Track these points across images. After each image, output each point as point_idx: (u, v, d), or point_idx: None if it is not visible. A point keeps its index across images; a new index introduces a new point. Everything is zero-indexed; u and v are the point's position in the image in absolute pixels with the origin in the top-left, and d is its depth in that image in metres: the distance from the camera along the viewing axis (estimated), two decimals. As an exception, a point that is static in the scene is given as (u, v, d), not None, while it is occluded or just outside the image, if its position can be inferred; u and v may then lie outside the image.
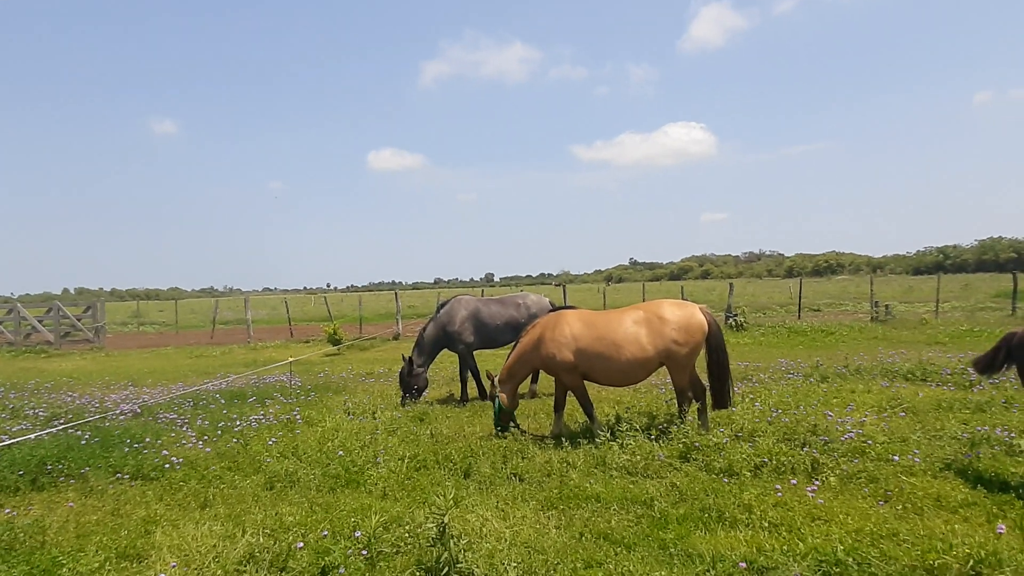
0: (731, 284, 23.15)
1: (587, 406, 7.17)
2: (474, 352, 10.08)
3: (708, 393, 7.02)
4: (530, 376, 9.28)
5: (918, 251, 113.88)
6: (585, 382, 7.17)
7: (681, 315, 6.83)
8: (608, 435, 6.52)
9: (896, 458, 5.56)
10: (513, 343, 7.96)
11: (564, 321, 7.14)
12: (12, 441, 6.62)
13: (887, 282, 55.01)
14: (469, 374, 9.98)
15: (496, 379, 7.37)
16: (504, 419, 7.34)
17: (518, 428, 7.39)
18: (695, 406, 7.07)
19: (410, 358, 9.56)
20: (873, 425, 6.66)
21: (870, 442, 5.96)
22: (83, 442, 6.88)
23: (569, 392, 7.32)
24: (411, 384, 9.50)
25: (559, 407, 7.35)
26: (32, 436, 6.89)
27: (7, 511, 5.24)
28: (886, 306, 21.50)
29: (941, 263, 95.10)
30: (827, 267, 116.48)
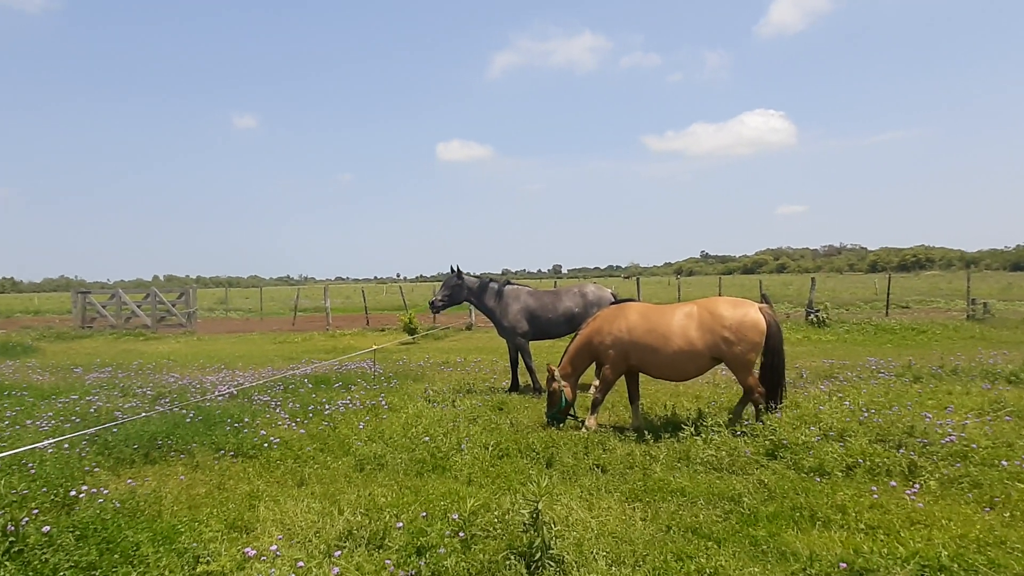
0: (813, 279, 22.29)
1: (599, 396, 7.35)
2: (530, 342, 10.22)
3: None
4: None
5: (1017, 245, 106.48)
6: (646, 376, 7.49)
7: (735, 313, 6.79)
8: (692, 430, 6.48)
9: (1004, 464, 5.28)
10: (572, 335, 8.07)
11: (622, 314, 7.28)
12: (127, 419, 7.17)
13: (983, 278, 51.66)
14: (521, 362, 10.17)
15: (557, 371, 7.44)
16: (564, 412, 7.44)
17: (576, 419, 7.52)
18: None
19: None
20: (975, 428, 6.31)
21: (973, 446, 5.66)
22: (188, 420, 7.36)
23: (633, 382, 7.45)
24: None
25: (633, 399, 7.40)
26: (143, 415, 7.44)
27: (127, 481, 5.68)
28: (984, 304, 20.21)
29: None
30: (915, 262, 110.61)
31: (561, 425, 7.37)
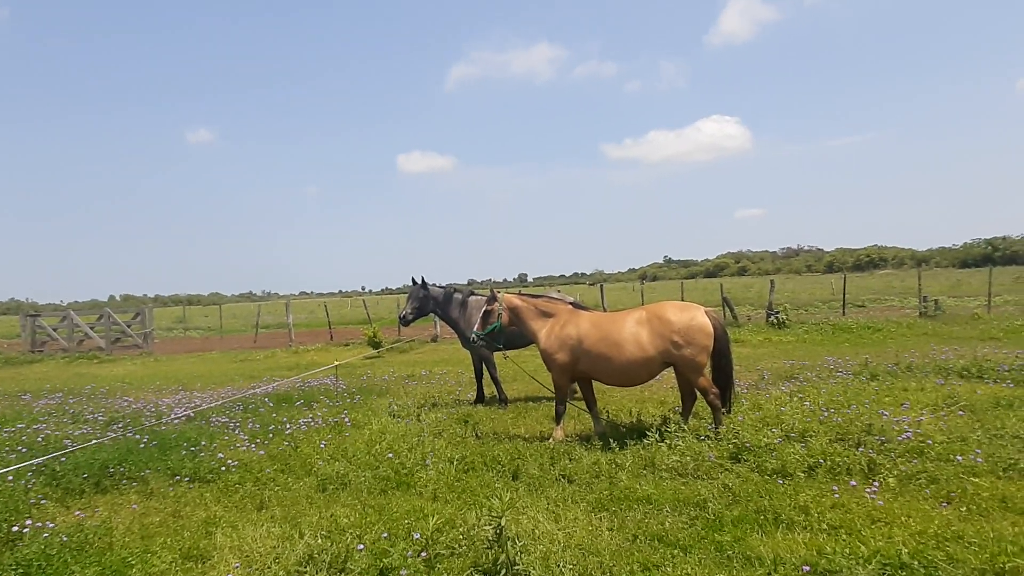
0: (772, 281, 22.75)
1: (561, 407, 7.41)
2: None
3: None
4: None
5: (965, 243, 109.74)
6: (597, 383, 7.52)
7: (683, 317, 6.86)
8: (657, 436, 6.49)
9: (959, 458, 5.41)
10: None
11: (573, 322, 7.30)
12: (77, 447, 6.88)
13: (934, 276, 53.35)
14: (485, 373, 10.07)
15: (503, 296, 7.81)
16: (492, 337, 7.87)
17: (495, 347, 8.23)
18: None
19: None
20: (930, 424, 6.48)
21: (929, 442, 5.80)
22: (142, 446, 7.11)
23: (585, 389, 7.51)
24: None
25: (591, 404, 7.46)
26: (93, 441, 7.15)
27: (76, 513, 5.43)
28: (935, 301, 20.85)
29: (990, 255, 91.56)
30: (869, 262, 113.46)
31: (479, 344, 8.03)
